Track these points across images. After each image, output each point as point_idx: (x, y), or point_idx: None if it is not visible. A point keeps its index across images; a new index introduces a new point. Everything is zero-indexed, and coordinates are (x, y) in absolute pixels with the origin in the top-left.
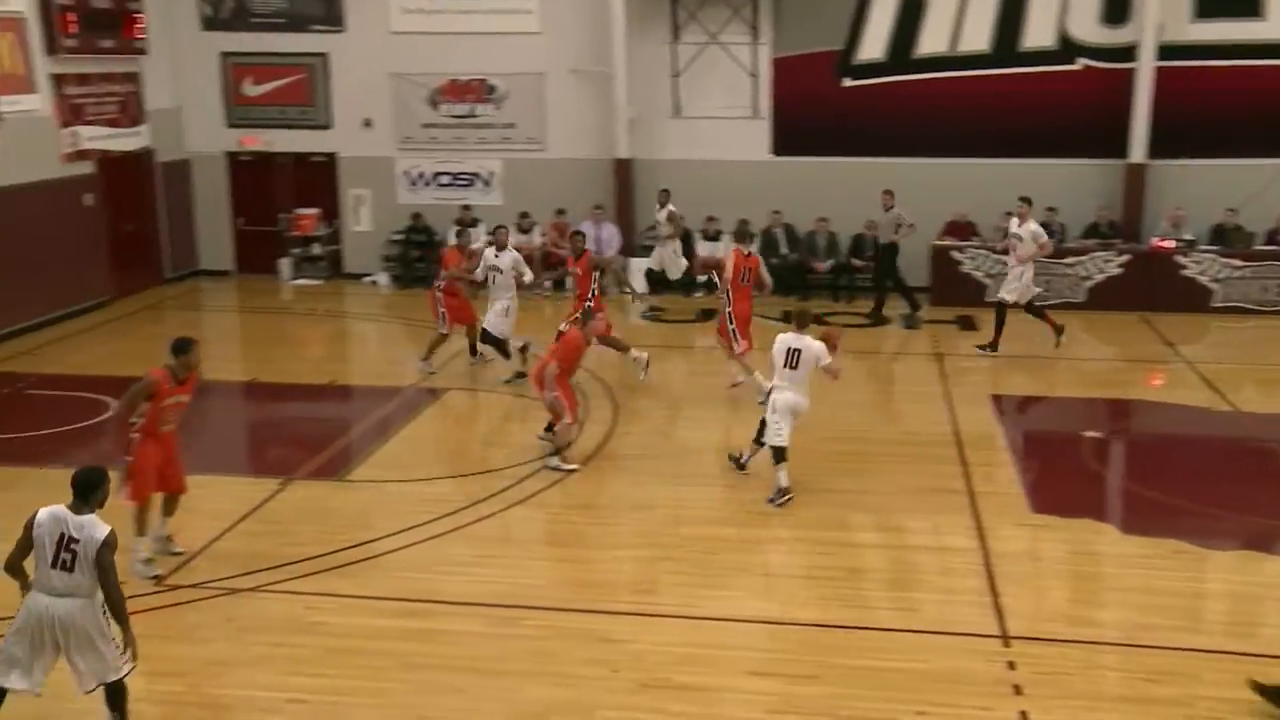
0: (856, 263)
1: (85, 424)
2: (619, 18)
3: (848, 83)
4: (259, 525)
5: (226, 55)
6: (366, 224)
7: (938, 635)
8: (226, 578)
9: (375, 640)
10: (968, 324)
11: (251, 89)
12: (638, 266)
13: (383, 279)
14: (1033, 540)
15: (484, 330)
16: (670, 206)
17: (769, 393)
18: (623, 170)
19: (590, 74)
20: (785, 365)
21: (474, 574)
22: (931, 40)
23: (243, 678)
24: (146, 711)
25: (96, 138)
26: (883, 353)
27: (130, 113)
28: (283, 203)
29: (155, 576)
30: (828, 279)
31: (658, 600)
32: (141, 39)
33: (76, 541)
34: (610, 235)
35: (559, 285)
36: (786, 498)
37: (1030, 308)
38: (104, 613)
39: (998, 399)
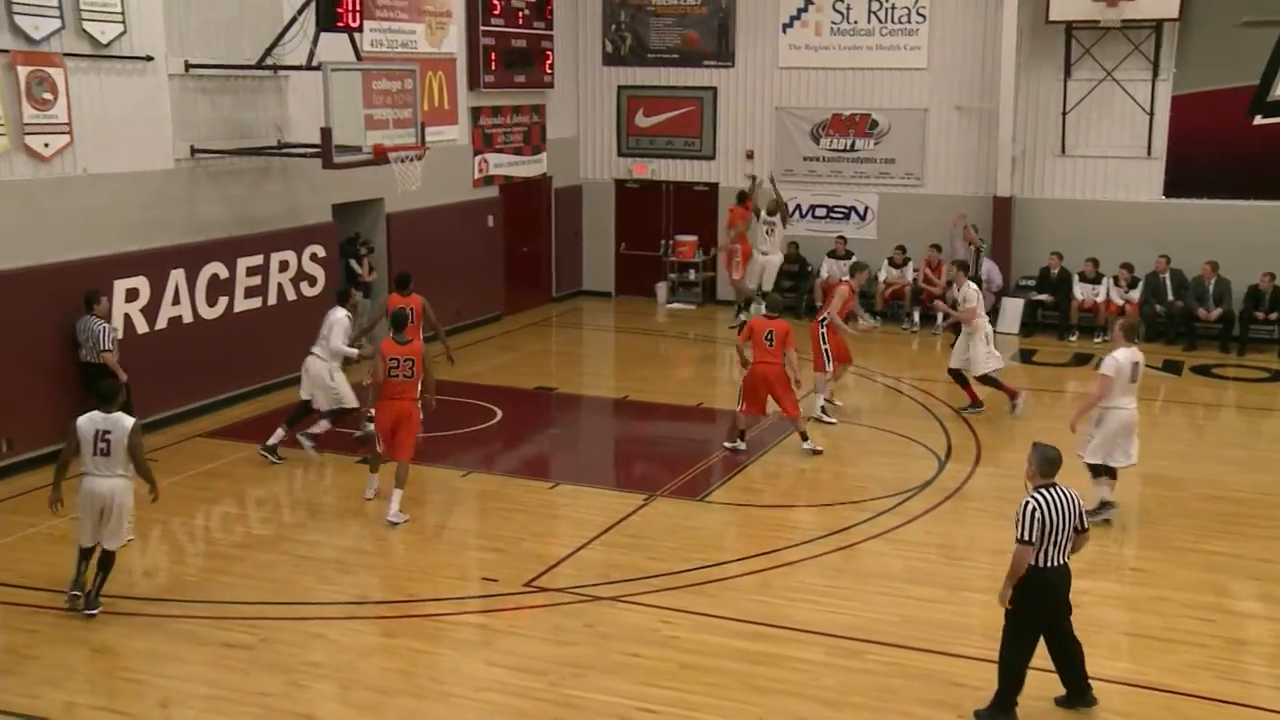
0: (1259, 315)
1: (475, 429)
2: (1009, 54)
3: (1259, 120)
4: (621, 537)
5: (623, 88)
6: None
7: None
8: (588, 585)
9: (724, 659)
10: None
11: (643, 120)
12: (1011, 307)
13: (754, 307)
14: None
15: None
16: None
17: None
18: (1003, 208)
19: (974, 110)
20: (1132, 380)
21: (823, 603)
22: None
23: (598, 682)
24: (505, 703)
25: (502, 164)
26: (1275, 410)
27: (533, 141)
28: (663, 229)
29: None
30: (1216, 328)
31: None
32: (549, 74)
33: (109, 433)
34: (988, 270)
35: (927, 320)
36: (1112, 511)
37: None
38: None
39: None
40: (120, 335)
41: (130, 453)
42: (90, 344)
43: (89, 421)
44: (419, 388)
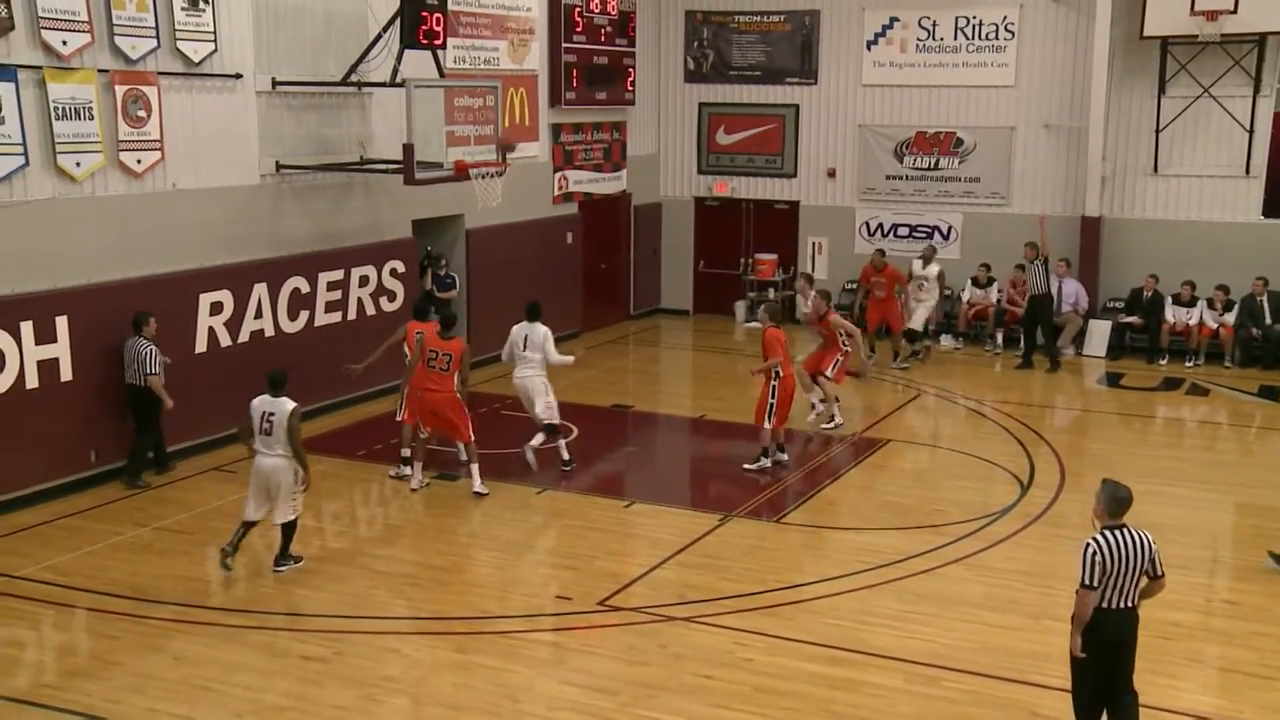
0: None
1: (550, 446)
2: (1100, 71)
3: None
4: (696, 558)
5: (704, 105)
6: (821, 272)
7: None
8: (662, 605)
9: (799, 683)
10: None
11: (724, 138)
12: (1099, 329)
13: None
14: None
15: None
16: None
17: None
18: (1091, 228)
19: (1063, 128)
20: None
21: (900, 628)
22: None
23: (670, 704)
24: None
25: (582, 181)
26: None
27: (613, 158)
28: (743, 248)
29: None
30: None
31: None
32: (630, 91)
33: (272, 414)
34: (1073, 291)
35: (1011, 341)
36: None
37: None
38: (296, 475)
39: None
40: (204, 349)
41: (288, 435)
42: (135, 366)
43: (259, 403)
44: (456, 381)
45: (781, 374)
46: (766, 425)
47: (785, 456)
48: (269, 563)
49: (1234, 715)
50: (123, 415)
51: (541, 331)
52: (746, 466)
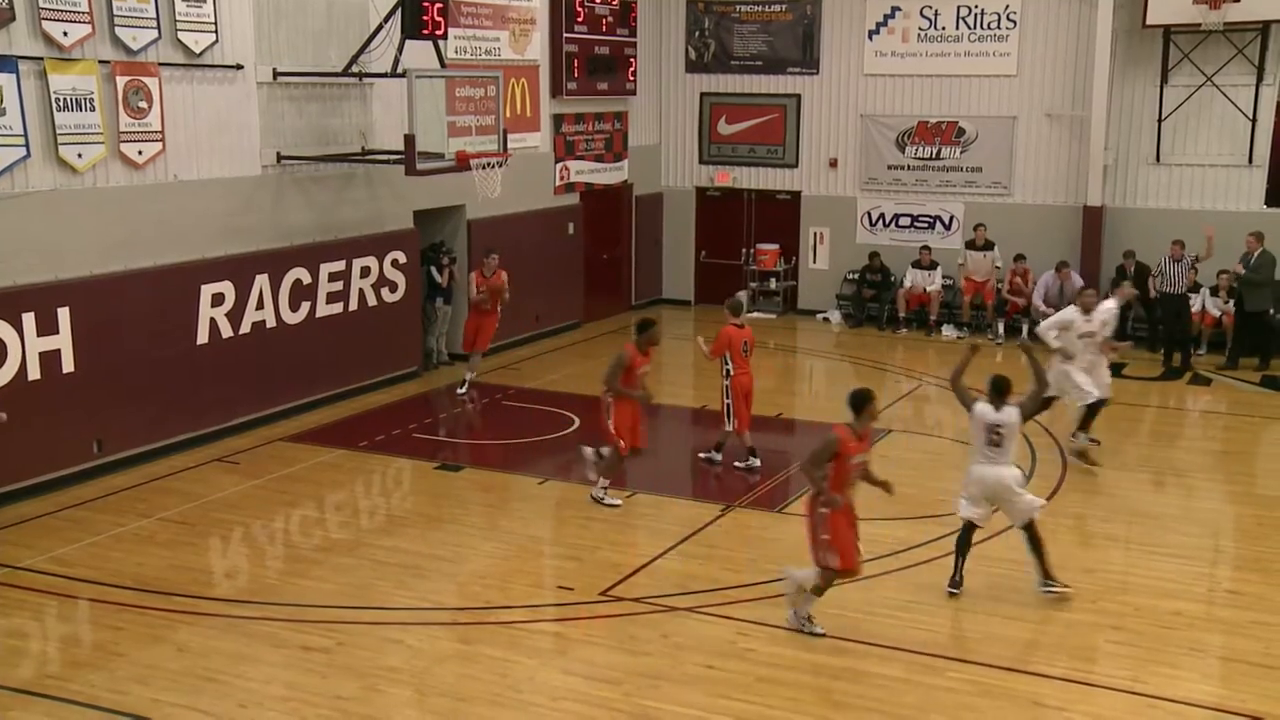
0: None
1: (553, 436)
2: (1103, 59)
3: None
4: (698, 548)
5: (706, 95)
6: (823, 262)
7: None
8: (664, 595)
9: (801, 673)
10: None
11: (726, 128)
12: None
13: (835, 316)
14: None
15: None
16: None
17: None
18: (1093, 218)
19: (1065, 118)
20: None
21: (903, 618)
22: None
23: (673, 694)
24: (580, 712)
25: (583, 171)
26: None
27: (615, 148)
28: (744, 238)
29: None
30: None
31: (1095, 669)
32: (632, 81)
33: (1000, 426)
34: (1077, 289)
35: (1013, 331)
36: None
37: None
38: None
39: None
40: (205, 340)
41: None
42: None
43: (982, 410)
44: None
45: (733, 372)
46: (726, 428)
47: (756, 462)
48: (269, 553)
49: (1235, 705)
50: (140, 402)
51: (1109, 306)
52: (736, 464)
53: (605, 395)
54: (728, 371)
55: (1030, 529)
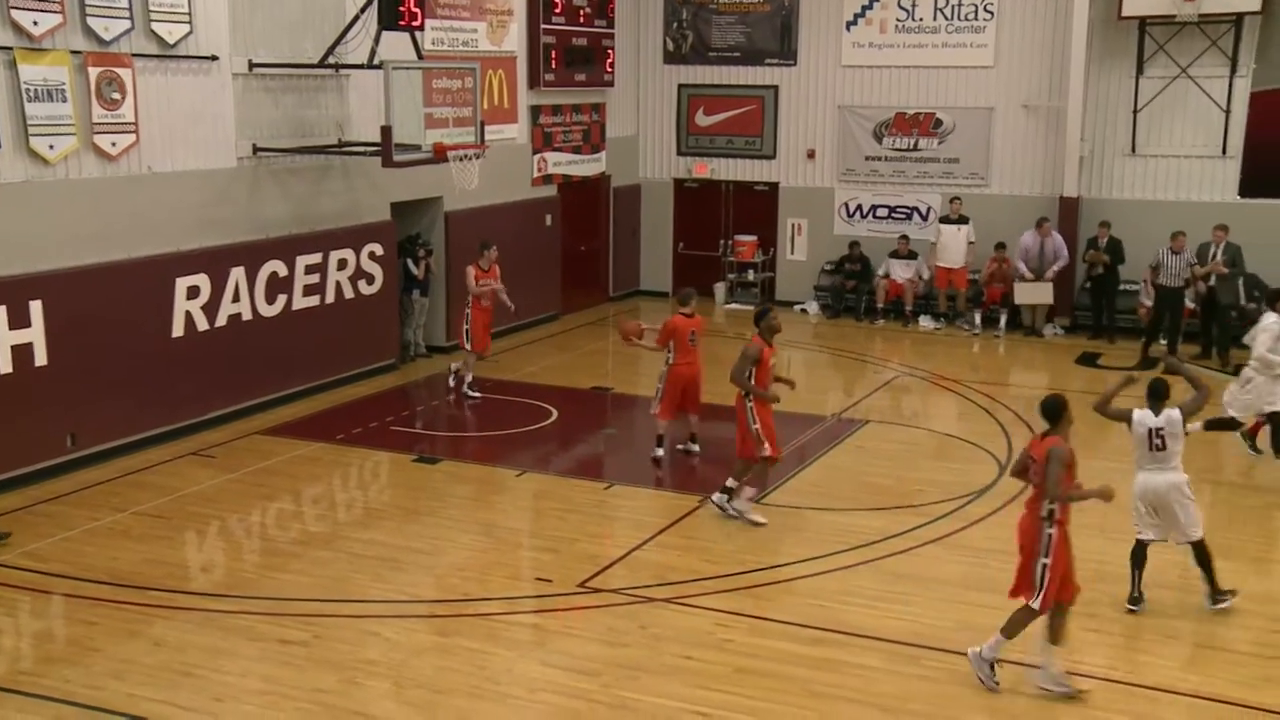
0: None
1: (530, 428)
2: (1079, 51)
3: None
4: (677, 539)
5: (684, 86)
6: (801, 253)
7: None
8: (643, 586)
9: (780, 664)
10: None
11: (704, 119)
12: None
13: (812, 308)
14: None
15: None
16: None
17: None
18: (1069, 208)
19: (1042, 109)
20: None
21: (880, 608)
22: None
23: (652, 685)
24: (559, 704)
25: (561, 163)
26: None
27: (593, 140)
28: (722, 229)
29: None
30: None
31: (1071, 657)
32: (610, 73)
33: (1162, 429)
34: (1057, 247)
35: (990, 322)
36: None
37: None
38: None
39: None
40: (181, 333)
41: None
42: None
43: (1142, 417)
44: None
45: (673, 361)
46: (652, 410)
47: (695, 446)
48: (246, 547)
49: (1209, 691)
50: (114, 396)
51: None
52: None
53: (743, 397)
54: (668, 359)
55: (1198, 545)
